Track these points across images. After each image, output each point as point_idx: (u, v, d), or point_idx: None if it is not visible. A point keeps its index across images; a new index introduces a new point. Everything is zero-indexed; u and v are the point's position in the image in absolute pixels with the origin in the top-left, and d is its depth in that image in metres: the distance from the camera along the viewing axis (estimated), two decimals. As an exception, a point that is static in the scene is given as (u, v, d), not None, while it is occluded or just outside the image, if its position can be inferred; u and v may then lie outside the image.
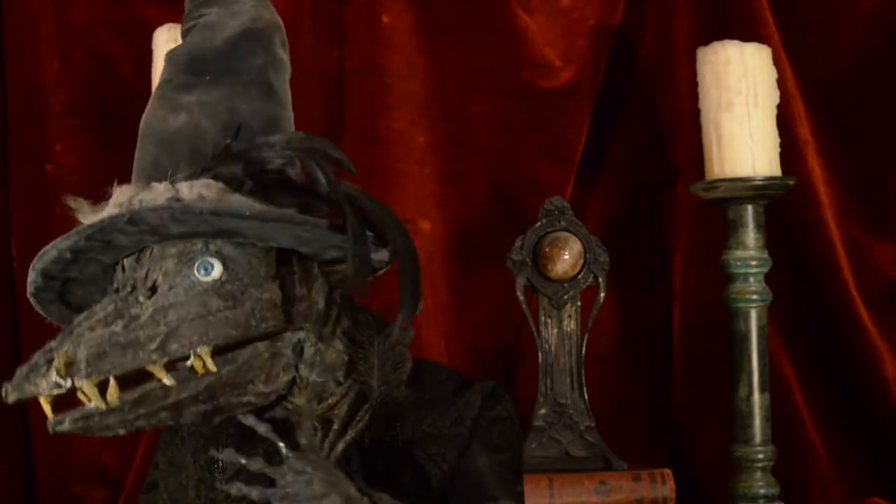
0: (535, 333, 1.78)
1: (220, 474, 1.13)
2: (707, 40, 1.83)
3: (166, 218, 1.03)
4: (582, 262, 1.80)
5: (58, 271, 1.09)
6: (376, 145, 2.02)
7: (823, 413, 2.07)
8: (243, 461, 1.04)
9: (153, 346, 1.01)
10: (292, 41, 1.18)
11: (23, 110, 2.03)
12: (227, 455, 1.04)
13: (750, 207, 1.78)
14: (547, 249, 1.79)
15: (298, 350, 1.07)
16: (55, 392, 1.00)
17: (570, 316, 1.80)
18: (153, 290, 1.04)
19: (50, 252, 1.07)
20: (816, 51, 2.11)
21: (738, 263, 1.78)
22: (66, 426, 1.01)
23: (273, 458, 1.04)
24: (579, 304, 1.80)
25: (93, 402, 1.00)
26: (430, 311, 1.99)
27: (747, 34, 1.88)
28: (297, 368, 1.07)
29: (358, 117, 2.03)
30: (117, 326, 1.02)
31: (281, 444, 1.04)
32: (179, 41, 1.65)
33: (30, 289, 1.11)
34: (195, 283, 1.04)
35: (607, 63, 2.09)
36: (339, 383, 1.09)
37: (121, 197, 1.06)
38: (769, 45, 1.84)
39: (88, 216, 1.07)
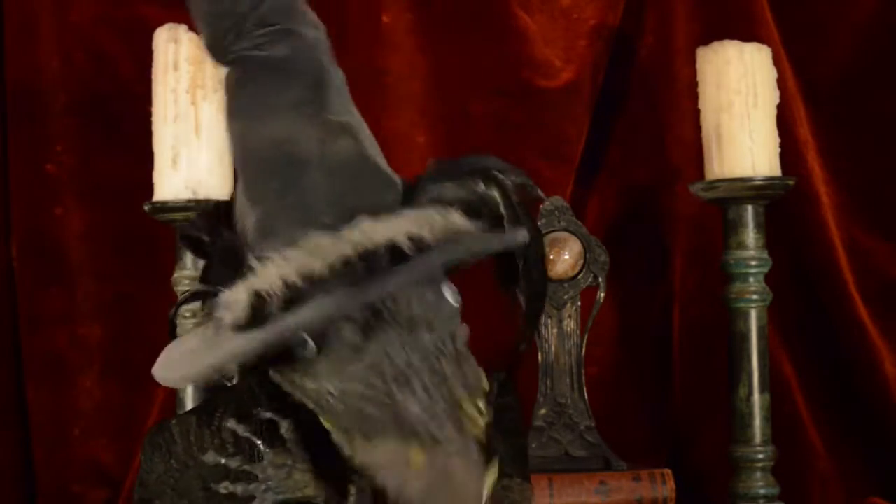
0: (535, 333, 1.78)
1: None
2: (707, 40, 1.83)
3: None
4: (582, 262, 1.80)
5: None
6: (376, 145, 2.02)
7: (823, 413, 2.07)
8: None
9: (461, 381, 0.98)
10: (292, 41, 1.17)
11: (23, 110, 2.03)
12: None
13: (750, 207, 1.78)
14: (547, 249, 1.79)
15: None
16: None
17: (570, 316, 1.79)
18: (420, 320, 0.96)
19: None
20: (816, 51, 2.11)
21: (738, 263, 1.78)
22: None
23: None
24: (579, 304, 1.80)
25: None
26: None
27: (747, 34, 1.88)
28: None
29: (358, 117, 2.03)
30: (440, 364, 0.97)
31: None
32: (179, 41, 1.66)
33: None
34: (452, 308, 1.01)
35: (607, 63, 2.09)
36: None
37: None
38: (769, 45, 1.83)
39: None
